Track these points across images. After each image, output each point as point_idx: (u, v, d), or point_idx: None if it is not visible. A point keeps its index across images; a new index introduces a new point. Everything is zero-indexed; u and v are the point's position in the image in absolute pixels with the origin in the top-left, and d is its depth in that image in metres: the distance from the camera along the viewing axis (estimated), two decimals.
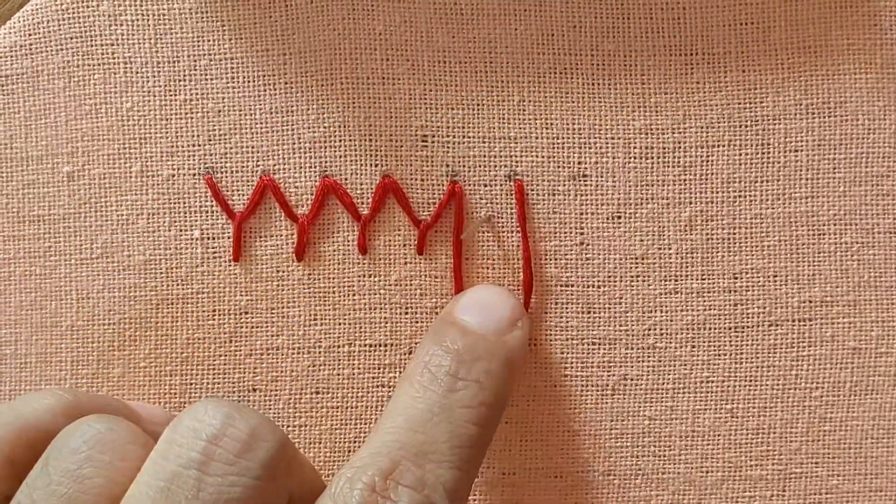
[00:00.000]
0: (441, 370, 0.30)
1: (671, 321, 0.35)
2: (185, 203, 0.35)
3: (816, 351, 0.34)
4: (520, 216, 0.34)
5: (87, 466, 0.25)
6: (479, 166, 0.34)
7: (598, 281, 0.35)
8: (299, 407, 0.35)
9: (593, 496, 0.35)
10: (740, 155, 0.34)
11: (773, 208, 0.34)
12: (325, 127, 0.35)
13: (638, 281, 0.35)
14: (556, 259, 0.35)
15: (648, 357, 0.35)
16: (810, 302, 0.34)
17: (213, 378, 0.35)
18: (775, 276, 0.34)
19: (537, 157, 0.34)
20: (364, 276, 0.35)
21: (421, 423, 0.28)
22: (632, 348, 0.35)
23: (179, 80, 0.35)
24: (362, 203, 0.35)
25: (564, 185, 0.34)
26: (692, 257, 0.34)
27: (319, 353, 0.35)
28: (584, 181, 0.34)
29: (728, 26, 0.34)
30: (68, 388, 0.33)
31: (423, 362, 0.30)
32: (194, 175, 0.35)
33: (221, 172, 0.35)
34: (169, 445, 0.25)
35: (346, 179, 0.35)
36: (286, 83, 0.34)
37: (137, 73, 0.35)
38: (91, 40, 0.35)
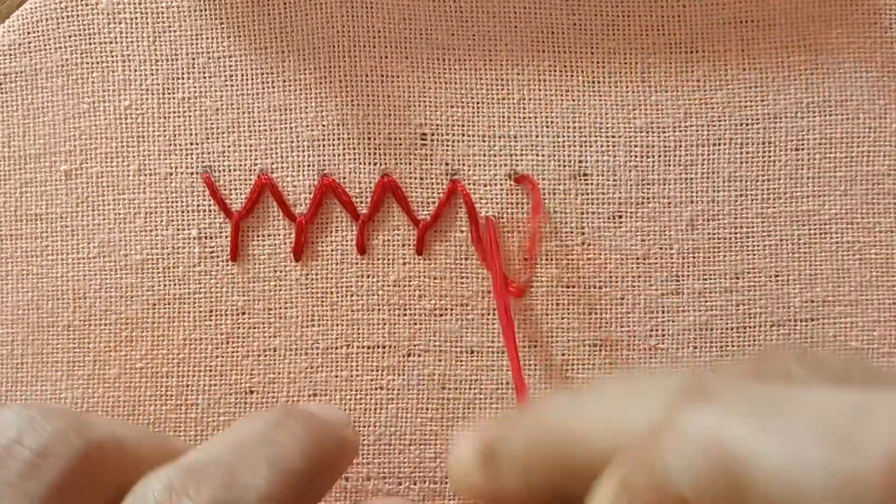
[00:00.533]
0: (267, 414, 0.28)
1: (673, 322, 0.34)
2: (182, 202, 0.35)
3: (818, 351, 0.34)
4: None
5: None
6: (480, 165, 0.34)
7: (600, 281, 0.34)
8: None
9: None
10: (742, 154, 0.34)
11: (775, 207, 0.34)
12: (323, 125, 0.34)
13: (640, 281, 0.34)
14: (557, 259, 0.34)
15: (650, 358, 0.34)
16: (812, 302, 0.34)
17: (210, 379, 0.35)
18: (777, 276, 0.34)
19: (538, 155, 0.34)
20: (362, 276, 0.35)
21: (241, 444, 0.26)
22: (633, 349, 0.34)
23: (177, 78, 0.35)
24: (361, 202, 0.34)
25: (565, 185, 0.34)
26: (694, 257, 0.34)
27: (317, 354, 0.35)
28: (585, 180, 0.34)
29: (729, 24, 0.34)
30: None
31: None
32: (192, 173, 0.35)
33: (219, 171, 0.35)
34: None
35: (344, 178, 0.34)
36: (284, 81, 0.34)
37: (135, 71, 0.35)
38: (89, 38, 0.35)
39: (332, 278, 0.35)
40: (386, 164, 0.34)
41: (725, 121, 0.34)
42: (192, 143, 0.35)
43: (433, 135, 0.34)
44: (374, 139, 0.34)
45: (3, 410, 0.24)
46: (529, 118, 0.34)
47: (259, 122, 0.34)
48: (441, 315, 0.35)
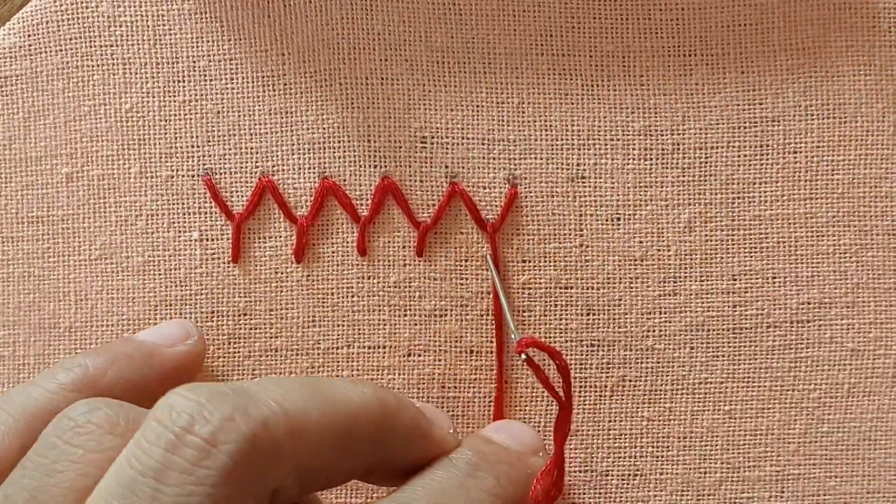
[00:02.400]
0: (463, 460, 0.30)
1: (670, 323, 0.35)
2: (183, 204, 0.35)
3: (814, 352, 0.35)
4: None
5: (59, 460, 0.25)
6: (479, 168, 0.34)
7: (598, 283, 0.35)
8: None
9: (591, 497, 0.35)
10: (739, 156, 0.34)
11: (771, 210, 0.34)
12: (324, 128, 0.35)
13: (637, 282, 0.35)
14: (555, 261, 0.35)
15: (647, 358, 0.35)
16: (808, 304, 0.34)
17: (211, 379, 0.35)
18: (774, 278, 0.34)
19: (536, 158, 0.34)
20: (363, 277, 0.35)
21: (439, 491, 0.29)
22: (630, 350, 0.35)
23: (178, 81, 0.35)
24: (361, 204, 0.35)
25: (563, 187, 0.34)
26: (691, 259, 0.34)
27: (318, 354, 0.35)
28: (583, 183, 0.34)
29: (727, 27, 0.34)
30: (91, 352, 0.31)
31: (448, 457, 0.30)
32: (193, 176, 0.35)
33: (220, 173, 0.35)
34: (135, 446, 0.25)
35: (345, 180, 0.35)
36: (285, 84, 0.34)
37: (136, 74, 0.35)
38: (90, 41, 0.35)
39: (332, 279, 0.35)
40: (386, 166, 0.35)
41: (723, 124, 0.34)
42: (193, 146, 0.35)
43: (433, 138, 0.35)
44: (375, 142, 0.34)
45: (173, 396, 0.25)
46: (528, 121, 0.34)
47: (260, 124, 0.35)
48: (441, 316, 0.35)
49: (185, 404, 0.25)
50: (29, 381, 0.30)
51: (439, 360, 0.35)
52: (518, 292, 0.35)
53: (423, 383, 0.35)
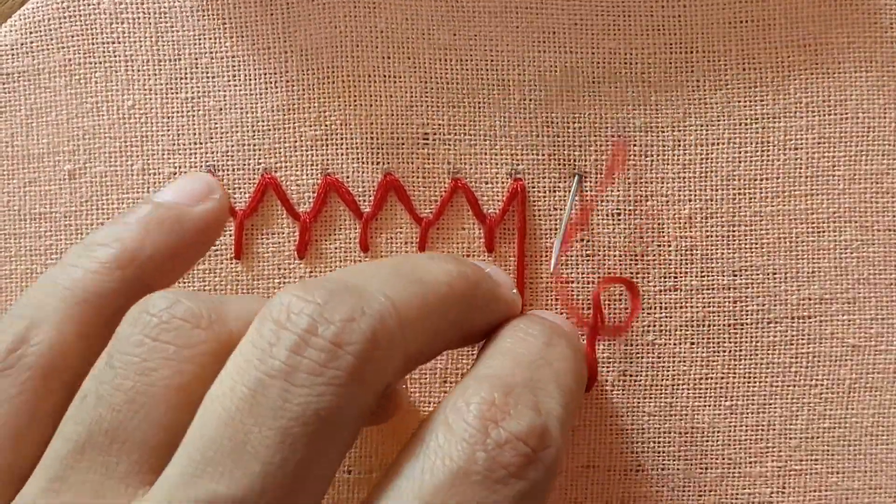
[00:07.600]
0: (534, 330, 0.30)
1: (670, 318, 0.35)
2: None
3: (815, 348, 0.35)
4: (519, 215, 0.34)
5: (151, 358, 0.25)
6: (481, 164, 0.35)
7: (598, 278, 0.35)
8: None
9: (593, 492, 0.35)
10: (740, 153, 0.34)
11: (772, 206, 0.34)
12: (326, 125, 0.35)
13: (638, 278, 0.35)
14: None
15: (647, 354, 0.35)
16: (809, 299, 0.35)
17: None
18: (774, 274, 0.34)
19: (538, 155, 0.34)
20: None
21: (527, 364, 0.28)
22: (631, 345, 0.35)
23: (181, 78, 0.35)
24: (364, 201, 0.35)
25: (565, 183, 0.35)
26: (692, 254, 0.35)
27: None
28: (585, 179, 0.34)
29: (728, 24, 0.34)
30: (119, 223, 0.30)
31: (514, 326, 0.30)
32: None
33: (223, 170, 0.35)
34: (253, 346, 0.24)
35: (347, 177, 0.35)
36: (287, 81, 0.35)
37: (139, 70, 0.35)
38: (92, 38, 0.35)
39: None
40: (388, 163, 0.35)
41: (724, 120, 0.34)
42: (195, 143, 0.35)
43: (435, 134, 0.35)
44: (377, 138, 0.35)
45: (287, 297, 0.25)
46: (530, 118, 0.34)
47: (262, 121, 0.35)
48: None
49: (302, 306, 0.25)
50: (61, 262, 0.28)
51: (441, 355, 0.35)
52: None
53: (425, 378, 0.35)
